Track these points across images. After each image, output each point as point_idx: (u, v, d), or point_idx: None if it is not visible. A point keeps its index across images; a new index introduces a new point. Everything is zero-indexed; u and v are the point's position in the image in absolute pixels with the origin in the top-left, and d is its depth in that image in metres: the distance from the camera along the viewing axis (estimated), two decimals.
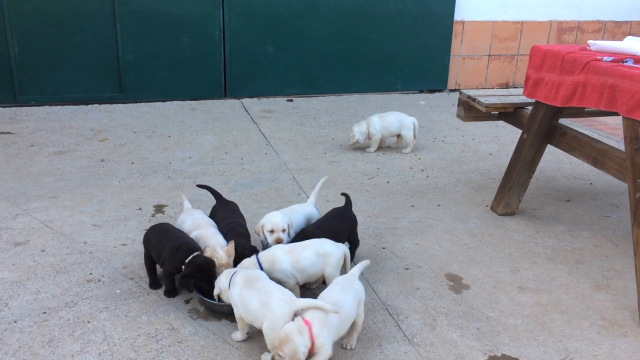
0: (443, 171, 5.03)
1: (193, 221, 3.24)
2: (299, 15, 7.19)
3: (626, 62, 3.19)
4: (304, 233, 3.22)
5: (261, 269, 2.93)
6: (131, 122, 6.06)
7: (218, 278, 2.85)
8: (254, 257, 2.98)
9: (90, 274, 3.22)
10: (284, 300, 2.55)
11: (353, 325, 2.67)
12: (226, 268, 2.96)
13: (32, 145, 5.25)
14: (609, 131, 6.31)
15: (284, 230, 3.20)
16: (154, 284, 3.11)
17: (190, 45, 6.87)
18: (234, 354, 2.64)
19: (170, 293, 3.03)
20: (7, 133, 5.56)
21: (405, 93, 7.88)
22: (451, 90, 8.10)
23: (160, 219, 3.91)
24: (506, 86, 8.34)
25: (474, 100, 4.22)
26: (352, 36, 7.45)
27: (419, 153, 5.46)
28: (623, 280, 3.37)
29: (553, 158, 5.30)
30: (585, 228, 4.02)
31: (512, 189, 4.07)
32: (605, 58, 3.26)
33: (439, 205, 4.33)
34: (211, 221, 3.30)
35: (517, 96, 4.25)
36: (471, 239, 3.83)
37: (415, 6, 7.55)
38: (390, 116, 5.43)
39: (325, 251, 2.99)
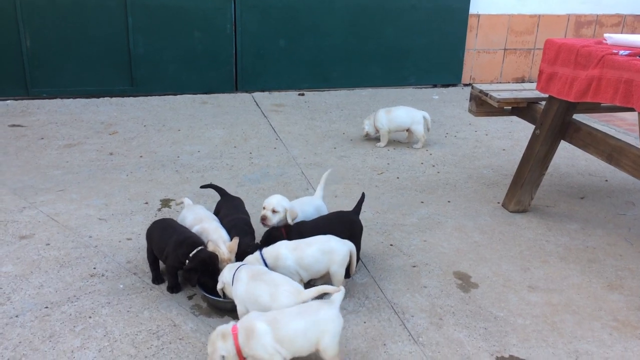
0: (454, 167, 4.94)
1: (195, 216, 3.21)
2: (312, 8, 7.12)
3: None
4: (297, 228, 3.15)
5: (265, 265, 2.89)
6: (141, 116, 6.05)
7: (221, 272, 2.82)
8: (257, 253, 2.94)
9: (94, 268, 3.21)
10: (291, 292, 2.53)
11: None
12: (227, 264, 2.93)
13: (42, 138, 5.25)
14: (626, 127, 6.18)
15: (273, 211, 3.17)
16: (157, 279, 3.09)
17: (202, 39, 6.83)
18: None
19: (173, 289, 3.00)
20: (18, 126, 5.57)
21: (418, 87, 7.78)
22: (465, 85, 7.98)
23: (166, 213, 3.88)
24: (522, 81, 8.19)
25: (486, 95, 4.13)
26: (365, 30, 7.37)
27: (431, 148, 5.38)
28: (637, 280, 3.28)
29: (568, 154, 5.19)
30: (599, 226, 3.92)
31: (524, 186, 3.98)
32: (621, 52, 3.16)
33: (449, 201, 4.25)
34: (213, 216, 3.27)
35: (530, 91, 4.15)
36: (481, 236, 3.75)
37: (430, 0, 7.43)
38: (399, 110, 5.36)
39: (331, 248, 2.94)
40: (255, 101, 6.81)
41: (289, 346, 2.32)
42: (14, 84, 6.38)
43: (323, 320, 2.36)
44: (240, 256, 2.97)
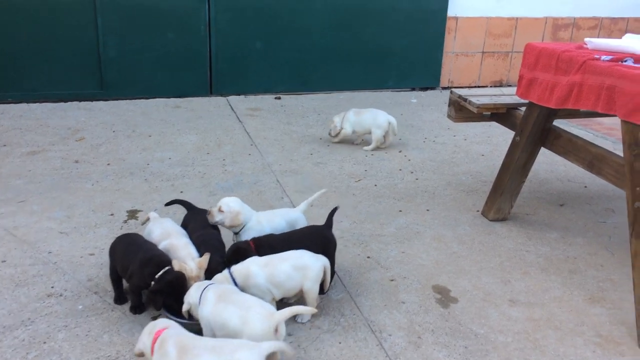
0: (433, 173, 4.83)
1: (162, 230, 3.03)
2: (290, 9, 6.96)
3: (625, 61, 2.99)
4: (266, 241, 3.00)
5: (235, 284, 2.74)
6: (111, 121, 5.84)
7: (187, 292, 2.65)
8: (226, 271, 2.78)
9: (52, 287, 3.01)
10: (264, 315, 2.38)
11: None
12: (195, 282, 2.76)
13: (5, 145, 5.02)
14: (604, 131, 6.14)
15: (220, 210, 3.08)
16: (120, 298, 2.91)
17: (175, 41, 6.64)
18: None
19: (137, 309, 2.82)
20: None
21: (397, 91, 7.67)
22: (444, 88, 7.90)
23: (132, 225, 3.70)
24: (500, 84, 8.14)
25: (465, 100, 4.02)
26: (344, 32, 7.23)
27: (409, 154, 5.26)
28: (619, 292, 3.19)
29: (546, 159, 5.11)
30: (579, 235, 3.83)
31: (504, 194, 3.88)
32: (603, 57, 3.06)
33: (427, 210, 4.13)
34: (182, 230, 3.09)
35: (509, 96, 4.05)
36: (460, 246, 3.63)
37: (409, 2, 7.33)
38: (367, 113, 5.29)
39: (304, 264, 2.79)
40: (230, 105, 6.63)
41: None
42: None
43: None
44: (210, 274, 2.81)
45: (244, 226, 3.17)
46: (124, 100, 6.55)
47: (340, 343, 2.70)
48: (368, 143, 5.36)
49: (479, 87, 8.04)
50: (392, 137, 5.34)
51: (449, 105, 4.28)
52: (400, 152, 5.30)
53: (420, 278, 3.26)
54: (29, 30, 6.13)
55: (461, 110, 4.17)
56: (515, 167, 3.77)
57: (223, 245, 3.05)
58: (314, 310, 2.37)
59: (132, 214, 3.86)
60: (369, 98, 7.20)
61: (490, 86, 8.09)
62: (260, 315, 2.35)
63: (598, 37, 8.20)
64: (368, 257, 3.45)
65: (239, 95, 7.03)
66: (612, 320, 2.93)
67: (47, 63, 6.28)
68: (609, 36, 8.24)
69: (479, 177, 4.79)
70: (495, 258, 3.51)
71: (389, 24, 7.35)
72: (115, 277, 2.91)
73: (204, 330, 2.47)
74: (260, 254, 2.89)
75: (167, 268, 2.73)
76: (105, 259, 3.17)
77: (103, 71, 6.46)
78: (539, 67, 3.40)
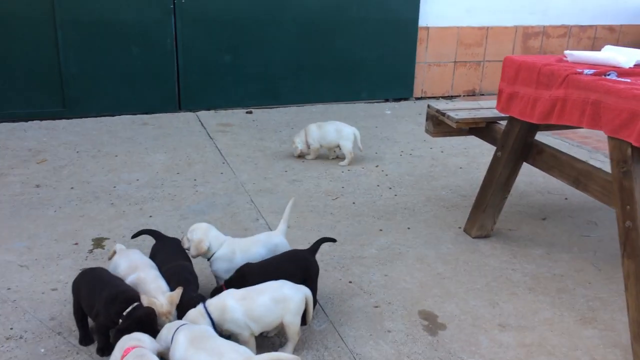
0: (412, 188, 4.71)
1: (129, 263, 2.82)
2: (258, 22, 6.79)
3: (609, 75, 2.92)
4: (241, 272, 2.82)
5: (211, 319, 2.55)
6: (74, 140, 5.57)
7: (159, 334, 2.46)
8: (200, 306, 2.59)
9: (11, 328, 2.77)
10: None
11: None
12: (167, 318, 2.57)
13: None
14: (579, 140, 6.13)
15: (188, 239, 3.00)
16: (85, 339, 2.69)
17: (140, 55, 6.40)
18: None
19: (104, 351, 2.59)
20: None
21: (370, 102, 7.57)
22: (417, 99, 7.83)
23: (98, 255, 3.47)
24: (473, 93, 8.12)
25: (444, 114, 3.91)
26: (315, 44, 7.10)
27: (386, 168, 5.14)
28: (610, 311, 3.10)
29: (525, 171, 4.93)
30: (564, 250, 3.75)
31: (487, 210, 3.78)
32: (586, 71, 2.99)
33: (408, 228, 4.01)
34: (151, 262, 2.88)
35: (488, 109, 3.96)
36: (445, 267, 3.51)
37: (380, 12, 7.24)
38: (329, 126, 5.17)
39: (284, 296, 2.62)
40: (200, 121, 6.43)
41: None
42: None
43: None
44: (182, 309, 2.61)
45: (212, 254, 2.99)
46: (89, 119, 6.28)
47: None
48: (342, 158, 5.22)
49: (452, 96, 8.01)
50: (357, 150, 5.21)
51: (426, 120, 4.17)
52: (377, 166, 5.18)
53: (406, 303, 3.12)
54: None
55: (439, 125, 4.06)
56: (497, 183, 3.67)
57: (196, 277, 2.86)
58: (297, 358, 2.20)
59: (98, 243, 3.63)
60: (343, 110, 7.07)
61: (463, 95, 8.06)
62: None
63: (567, 45, 8.30)
64: (350, 282, 3.30)
65: (209, 110, 6.83)
66: (606, 343, 2.83)
67: (4, 80, 5.97)
68: (578, 44, 8.32)
69: (458, 191, 4.69)
70: (481, 278, 3.39)
71: (360, 35, 7.25)
72: (80, 315, 2.69)
73: None
74: (240, 284, 2.71)
75: (135, 304, 2.53)
76: (69, 294, 2.93)
77: (65, 88, 6.19)
78: (519, 81, 3.30)
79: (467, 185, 4.79)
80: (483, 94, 8.07)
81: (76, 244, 3.61)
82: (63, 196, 4.30)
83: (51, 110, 6.19)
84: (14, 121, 6.05)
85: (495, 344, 2.81)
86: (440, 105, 4.14)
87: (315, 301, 2.89)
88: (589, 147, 5.82)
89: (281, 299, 2.60)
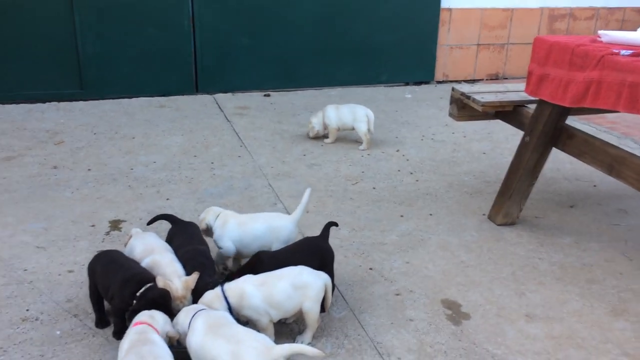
0: (433, 174, 4.59)
1: (145, 246, 2.76)
2: (277, 3, 6.66)
3: None
4: (257, 258, 2.75)
5: (228, 304, 2.48)
6: (92, 122, 5.53)
7: (176, 318, 2.40)
8: (218, 289, 2.52)
9: (27, 310, 2.74)
10: (259, 350, 2.12)
11: None
12: (181, 302, 2.50)
13: None
14: (607, 125, 5.94)
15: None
16: (101, 322, 2.64)
17: (157, 37, 6.32)
18: None
19: (120, 334, 2.52)
20: None
21: (390, 86, 7.42)
22: (438, 82, 7.66)
23: (115, 237, 3.42)
24: (496, 77, 7.92)
25: (469, 98, 3.78)
26: (334, 26, 6.95)
27: (407, 153, 5.02)
28: None
29: (551, 157, 4.84)
30: (593, 239, 3.62)
31: (512, 197, 3.65)
32: (622, 52, 2.84)
33: (430, 214, 3.90)
34: (167, 246, 2.82)
35: (516, 92, 3.82)
36: (468, 255, 3.40)
37: None
38: (345, 107, 5.09)
39: (304, 282, 2.54)
40: (217, 103, 6.34)
41: None
42: None
43: None
44: (198, 295, 2.54)
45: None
46: (106, 100, 6.23)
47: None
48: (360, 142, 5.12)
49: (474, 80, 7.82)
50: (370, 133, 5.10)
51: (450, 103, 4.04)
52: (397, 151, 5.06)
53: (428, 291, 3.03)
54: (2, 28, 5.78)
55: (464, 109, 3.93)
56: (525, 169, 3.54)
57: (212, 262, 2.79)
58: (322, 354, 2.13)
59: (115, 225, 3.58)
60: (362, 94, 6.93)
61: (486, 79, 7.86)
62: (256, 351, 2.09)
63: (595, 28, 8.03)
64: (370, 269, 3.21)
65: (226, 92, 6.73)
66: (638, 336, 2.71)
67: (22, 62, 5.93)
68: (606, 26, 8.05)
69: (482, 177, 4.56)
70: (507, 267, 3.28)
71: (380, 17, 7.08)
72: (96, 298, 2.65)
73: None
74: (254, 271, 2.64)
75: (149, 285, 2.48)
76: (86, 275, 2.89)
77: (82, 70, 6.13)
78: (550, 62, 3.16)
79: (491, 171, 4.65)
80: (506, 78, 7.86)
81: (93, 225, 3.57)
82: (80, 178, 4.26)
83: (69, 92, 6.15)
84: (32, 102, 6.02)
85: (521, 335, 2.71)
86: (465, 88, 4.00)
87: (333, 287, 2.80)
88: (617, 132, 5.63)
89: (301, 285, 2.53)
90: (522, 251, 3.45)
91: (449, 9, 7.42)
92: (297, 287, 2.52)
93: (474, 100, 3.74)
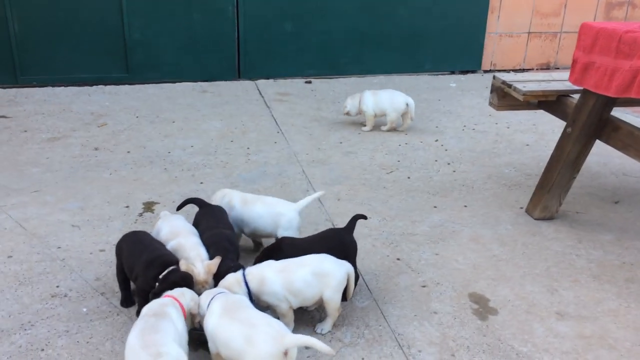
0: (472, 165, 4.47)
1: (171, 229, 2.79)
2: None
3: None
4: (277, 244, 2.75)
5: (248, 289, 2.48)
6: (135, 106, 5.65)
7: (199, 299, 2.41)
8: (239, 273, 2.52)
9: (57, 286, 2.82)
10: (272, 335, 2.10)
11: None
12: (203, 286, 2.52)
13: (26, 131, 4.88)
14: None
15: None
16: (126, 301, 2.70)
17: (202, 22, 6.38)
18: None
19: None
20: (2, 117, 5.20)
21: (434, 74, 7.25)
22: (486, 72, 7.44)
23: (148, 218, 3.48)
24: (547, 67, 7.62)
25: (510, 86, 3.64)
26: (378, 12, 6.84)
27: (446, 143, 4.90)
28: None
29: (599, 151, 4.58)
30: (637, 237, 3.43)
31: (552, 190, 3.50)
32: None
33: (465, 206, 3.79)
34: (193, 229, 2.84)
35: (560, 82, 3.65)
36: (501, 249, 3.29)
37: None
38: (384, 93, 5.00)
39: (325, 270, 2.50)
40: (258, 89, 6.36)
41: None
42: (3, 72, 6.00)
43: None
44: (220, 279, 2.55)
45: None
46: (150, 84, 6.35)
47: (363, 359, 2.42)
48: (401, 130, 5.05)
49: (524, 70, 7.55)
50: (410, 120, 5.07)
51: (491, 92, 3.90)
52: (436, 140, 4.94)
53: (456, 284, 2.94)
54: (51, 13, 5.97)
55: (505, 98, 3.79)
56: (566, 161, 3.39)
57: (236, 246, 2.80)
58: (332, 352, 2.09)
59: (148, 207, 3.65)
60: (405, 82, 6.81)
61: (537, 69, 7.59)
62: (268, 336, 2.07)
63: None
64: (398, 259, 3.15)
65: (268, 79, 6.75)
66: None
67: (71, 46, 6.12)
68: None
69: (523, 169, 4.41)
70: (541, 263, 3.15)
71: (426, 3, 6.92)
72: (122, 277, 2.70)
73: (210, 345, 2.23)
74: (274, 257, 2.64)
75: (171, 268, 2.50)
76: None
77: (129, 54, 6.27)
78: (596, 49, 3.00)
79: (533, 164, 4.48)
80: (558, 68, 7.56)
81: (127, 206, 3.64)
82: (119, 160, 4.36)
83: (115, 76, 6.31)
84: (80, 85, 6.20)
85: (550, 333, 2.60)
86: (507, 76, 3.85)
87: (357, 277, 2.76)
88: None
89: (322, 273, 2.50)
90: (559, 247, 3.31)
91: None
92: (317, 275, 2.49)
93: (515, 89, 3.60)
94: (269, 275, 2.49)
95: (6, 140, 4.67)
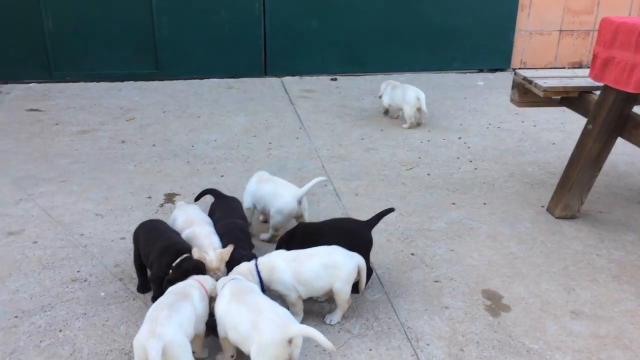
0: (495, 163, 4.42)
1: (186, 218, 2.86)
2: None
3: None
4: (294, 229, 2.84)
5: (259, 277, 2.52)
6: (162, 101, 5.77)
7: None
8: (252, 263, 2.57)
9: (78, 271, 2.92)
10: (277, 323, 2.13)
11: None
12: (215, 273, 2.57)
13: (57, 124, 5.04)
14: None
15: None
16: (143, 287, 2.77)
17: (229, 19, 6.47)
18: None
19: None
20: (36, 110, 5.38)
21: (462, 72, 7.19)
22: (515, 70, 7.31)
23: (168, 209, 3.56)
24: (579, 66, 7.47)
25: (531, 82, 3.60)
26: (405, 9, 6.81)
27: (469, 140, 4.86)
28: None
29: (627, 150, 4.55)
30: None
31: (573, 189, 3.45)
32: None
33: (484, 203, 3.76)
34: (207, 219, 2.91)
35: (583, 78, 3.59)
36: (519, 246, 3.25)
37: None
38: (400, 89, 5.10)
39: (335, 262, 2.53)
40: (284, 86, 6.42)
41: None
42: (38, 67, 6.21)
43: None
44: (232, 267, 2.60)
45: None
46: (179, 81, 6.47)
47: (370, 350, 2.43)
48: (422, 125, 5.13)
49: (555, 69, 7.40)
50: (421, 114, 5.10)
51: (512, 88, 3.87)
52: (459, 138, 4.91)
53: (469, 281, 2.93)
54: (84, 10, 6.14)
55: (526, 94, 3.75)
56: (587, 159, 3.33)
57: (249, 236, 2.85)
58: (333, 348, 2.12)
59: (169, 198, 3.73)
60: (431, 80, 6.77)
61: (568, 68, 7.44)
62: (273, 324, 2.10)
63: None
64: (412, 254, 3.15)
65: (294, 76, 6.80)
66: None
67: (103, 42, 6.28)
68: None
69: (547, 168, 4.34)
70: (559, 262, 3.11)
71: (453, 0, 6.85)
72: (139, 264, 2.77)
73: (219, 329, 2.27)
74: (291, 244, 2.69)
75: (185, 256, 2.56)
76: None
77: (158, 51, 6.40)
78: (616, 44, 2.94)
79: (558, 163, 4.41)
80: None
81: (149, 197, 3.73)
82: (144, 152, 4.46)
83: (145, 72, 6.45)
84: (111, 81, 6.36)
85: (564, 331, 2.56)
86: (529, 72, 3.81)
87: (370, 272, 2.76)
88: None
89: (331, 265, 2.52)
90: (579, 246, 3.26)
91: None
92: (327, 266, 2.51)
93: (535, 85, 3.56)
94: (279, 264, 2.53)
95: (38, 132, 4.83)
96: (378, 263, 3.03)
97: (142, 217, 3.44)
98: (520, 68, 7.33)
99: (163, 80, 6.46)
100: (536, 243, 3.29)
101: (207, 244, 2.67)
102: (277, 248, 2.76)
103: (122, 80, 6.39)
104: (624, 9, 7.27)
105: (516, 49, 7.29)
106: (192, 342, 2.20)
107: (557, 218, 3.56)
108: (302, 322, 2.51)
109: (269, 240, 3.18)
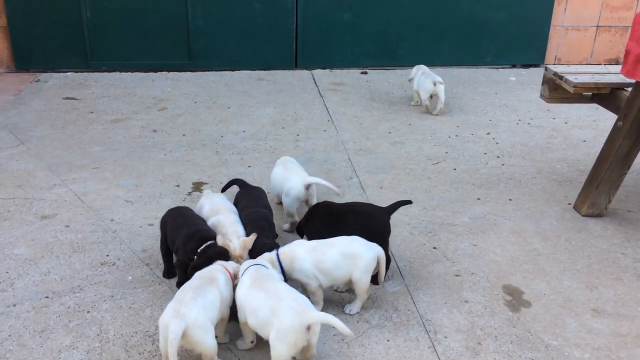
0: (522, 159, 4.38)
1: (212, 206, 2.93)
2: None
3: None
4: (311, 209, 2.98)
5: (281, 267, 2.57)
6: (194, 91, 5.87)
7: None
8: (274, 252, 2.62)
9: (107, 255, 3.02)
10: (296, 310, 2.18)
11: None
12: (238, 261, 2.64)
13: (92, 112, 5.18)
14: None
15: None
16: (168, 272, 2.86)
17: (261, 11, 6.53)
18: None
19: (182, 285, 2.74)
20: (72, 99, 5.55)
21: (495, 67, 7.10)
22: (547, 66, 7.19)
23: (196, 197, 3.65)
24: (616, 63, 7.28)
25: (561, 78, 3.55)
26: (437, 3, 6.76)
27: (498, 136, 4.81)
28: None
29: None
30: None
31: (601, 187, 3.40)
32: None
33: (510, 199, 3.73)
34: (233, 207, 2.97)
35: (615, 74, 3.52)
36: (543, 243, 3.23)
37: None
38: (423, 76, 5.24)
39: (354, 252, 2.56)
40: (313, 79, 6.45)
41: None
42: (75, 56, 6.38)
43: None
44: (255, 255, 2.66)
45: None
46: (210, 72, 6.57)
47: (388, 341, 2.46)
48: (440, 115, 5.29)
49: (590, 65, 7.25)
50: (438, 102, 5.18)
51: (542, 84, 3.82)
52: (488, 133, 4.87)
53: (490, 275, 2.93)
54: (122, 2, 6.28)
55: (557, 90, 3.70)
56: (616, 156, 3.28)
57: (272, 225, 2.90)
58: (352, 335, 2.15)
59: (197, 186, 3.81)
60: (463, 74, 6.71)
61: (604, 65, 7.26)
62: (292, 311, 2.15)
63: None
64: (434, 248, 3.16)
65: (325, 69, 6.82)
66: None
67: (138, 33, 6.42)
68: None
69: (576, 165, 4.28)
70: (583, 259, 3.08)
71: None
72: (166, 250, 2.86)
73: (239, 314, 2.34)
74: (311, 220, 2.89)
75: (209, 242, 2.63)
76: None
77: (191, 42, 6.51)
78: None
79: (588, 160, 4.33)
80: None
81: (178, 185, 3.82)
82: (174, 142, 4.56)
83: (178, 63, 6.56)
84: (145, 71, 6.50)
85: (584, 328, 2.55)
86: (560, 67, 3.75)
87: (389, 262, 2.79)
88: None
89: (351, 255, 2.55)
90: (605, 244, 3.22)
91: None
92: (347, 256, 2.55)
93: (566, 80, 3.51)
94: (300, 253, 2.57)
95: (74, 120, 4.98)
96: (400, 255, 3.05)
97: (170, 205, 3.51)
98: (554, 64, 7.19)
99: (195, 71, 6.57)
100: (560, 240, 3.27)
101: (232, 232, 2.74)
102: (297, 227, 2.94)
103: (156, 71, 6.52)
104: None
105: (551, 45, 7.16)
106: (216, 326, 2.27)
107: (583, 216, 3.51)
108: (322, 311, 2.55)
109: (290, 231, 3.23)
